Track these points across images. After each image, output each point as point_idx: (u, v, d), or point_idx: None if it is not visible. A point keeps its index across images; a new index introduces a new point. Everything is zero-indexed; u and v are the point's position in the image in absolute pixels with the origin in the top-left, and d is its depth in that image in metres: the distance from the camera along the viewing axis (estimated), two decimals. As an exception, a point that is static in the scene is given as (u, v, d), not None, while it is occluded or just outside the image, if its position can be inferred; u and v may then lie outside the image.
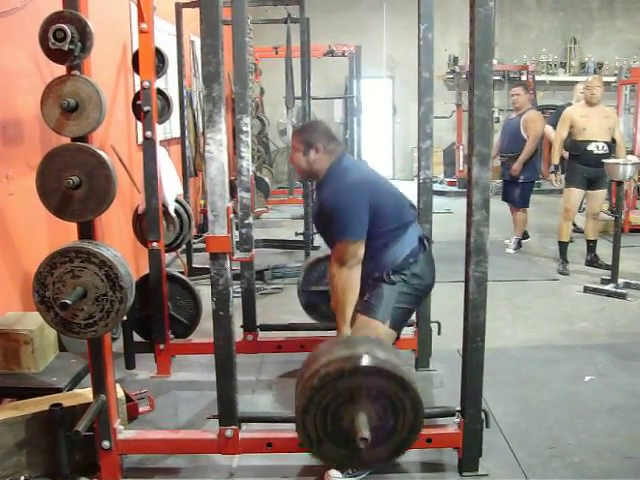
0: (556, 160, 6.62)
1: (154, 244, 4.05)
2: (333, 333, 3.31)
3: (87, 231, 2.71)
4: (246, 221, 4.08)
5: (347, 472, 2.99)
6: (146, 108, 3.89)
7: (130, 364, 4.06)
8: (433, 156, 3.98)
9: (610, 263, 5.92)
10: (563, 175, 6.85)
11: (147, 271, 4.15)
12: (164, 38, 6.40)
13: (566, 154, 6.66)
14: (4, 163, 3.63)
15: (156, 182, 3.99)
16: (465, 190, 2.82)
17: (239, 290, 4.30)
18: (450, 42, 12.81)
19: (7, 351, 3.32)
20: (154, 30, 3.93)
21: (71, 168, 2.57)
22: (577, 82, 8.27)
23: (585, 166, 6.35)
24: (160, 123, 4.26)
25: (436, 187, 9.37)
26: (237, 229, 3.96)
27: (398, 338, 3.35)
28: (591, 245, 6.71)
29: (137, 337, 4.18)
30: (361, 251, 3.05)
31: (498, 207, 6.98)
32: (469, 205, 2.75)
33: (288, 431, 2.96)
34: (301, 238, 7.04)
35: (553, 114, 8.80)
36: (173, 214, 4.30)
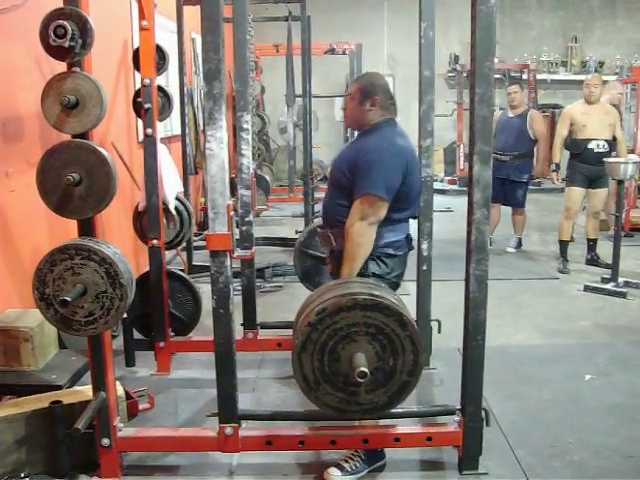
0: (557, 159, 6.62)
1: (154, 241, 4.05)
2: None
3: (87, 228, 2.71)
4: (246, 219, 4.08)
5: (346, 470, 2.99)
6: (147, 105, 3.89)
7: (130, 362, 4.06)
8: (434, 154, 3.97)
9: (610, 262, 5.92)
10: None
11: (147, 268, 4.15)
12: (165, 35, 6.39)
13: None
14: (4, 160, 3.63)
15: (156, 179, 3.98)
16: (466, 188, 2.81)
17: (239, 288, 4.30)
18: (451, 40, 12.78)
19: (7, 348, 3.33)
20: (155, 27, 3.93)
21: (71, 165, 2.57)
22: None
23: (586, 164, 6.35)
24: (161, 120, 4.25)
25: (437, 185, 9.35)
26: (237, 227, 3.96)
27: None
28: (591, 244, 6.71)
29: (137, 334, 4.18)
30: (383, 211, 2.93)
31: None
32: (470, 203, 2.75)
33: (288, 429, 2.97)
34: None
35: None
36: (173, 212, 4.29)
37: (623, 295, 5.65)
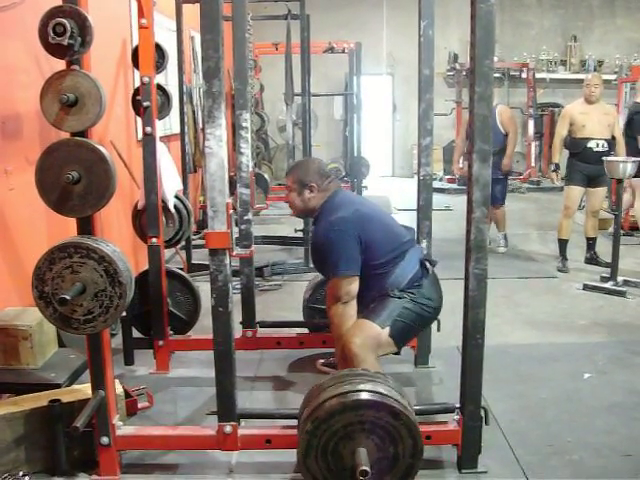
0: (556, 158, 6.62)
1: (153, 240, 4.05)
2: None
3: (86, 226, 2.71)
4: (245, 217, 4.07)
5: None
6: (146, 104, 3.88)
7: (129, 360, 4.06)
8: (433, 153, 3.97)
9: (609, 261, 5.92)
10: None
11: (146, 267, 4.15)
12: (164, 34, 6.38)
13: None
14: (3, 158, 3.62)
15: (155, 178, 3.98)
16: (464, 187, 2.82)
17: (238, 286, 4.30)
18: (450, 39, 12.79)
19: (6, 346, 3.32)
20: (154, 25, 3.92)
21: (70, 163, 2.56)
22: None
23: (585, 164, 6.34)
24: (160, 119, 4.25)
25: (436, 184, 9.37)
26: (236, 225, 3.96)
27: (398, 353, 3.39)
28: (591, 243, 6.71)
29: (136, 333, 4.18)
30: (354, 286, 3.14)
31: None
32: (469, 202, 2.75)
33: (287, 427, 2.97)
34: (300, 235, 7.03)
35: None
36: (172, 210, 4.29)
37: (622, 294, 5.65)
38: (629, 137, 6.71)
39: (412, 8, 4.14)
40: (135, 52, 4.03)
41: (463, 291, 2.87)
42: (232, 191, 4.04)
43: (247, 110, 4.03)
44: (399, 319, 3.15)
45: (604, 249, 6.56)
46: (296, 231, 7.20)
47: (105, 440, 2.89)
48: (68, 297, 2.53)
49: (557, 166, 6.64)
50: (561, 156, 6.64)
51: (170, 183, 4.24)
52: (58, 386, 3.22)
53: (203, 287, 4.44)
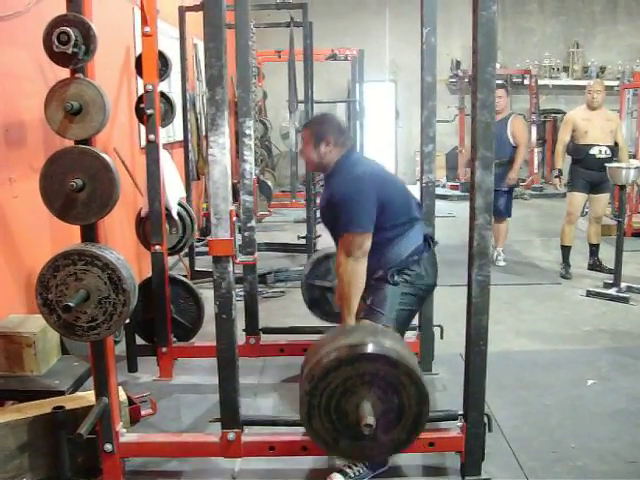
0: (559, 165, 6.62)
1: (157, 247, 4.06)
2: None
3: (90, 234, 2.72)
4: (249, 224, 4.09)
5: (349, 476, 2.99)
6: (149, 111, 3.90)
7: (132, 367, 4.06)
8: (436, 160, 3.98)
9: (613, 267, 5.92)
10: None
11: (150, 274, 4.16)
12: (167, 41, 6.40)
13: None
14: (8, 166, 3.64)
15: (159, 185, 3.99)
16: (467, 194, 2.82)
17: (242, 293, 4.31)
18: (453, 46, 12.81)
19: (10, 353, 3.33)
20: (157, 33, 3.94)
21: (74, 171, 2.57)
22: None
23: (588, 170, 6.34)
24: (163, 126, 4.26)
25: (439, 191, 9.36)
26: (240, 232, 3.97)
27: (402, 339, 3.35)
28: (594, 249, 6.70)
29: (139, 340, 4.18)
30: (368, 243, 3.03)
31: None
32: (472, 209, 2.75)
33: (291, 434, 2.97)
34: (303, 242, 7.04)
35: None
36: (176, 217, 4.30)
37: (625, 300, 5.64)
38: None
39: (414, 15, 4.16)
40: (139, 60, 4.05)
41: (466, 298, 2.87)
42: (235, 198, 4.05)
43: (250, 117, 4.05)
44: (401, 307, 3.10)
45: (607, 255, 6.55)
46: (299, 238, 7.21)
47: (108, 447, 2.89)
48: (72, 304, 2.54)
49: (560, 172, 6.63)
50: (564, 162, 6.63)
51: (173, 190, 4.25)
52: (62, 393, 3.22)
53: (206, 294, 4.44)
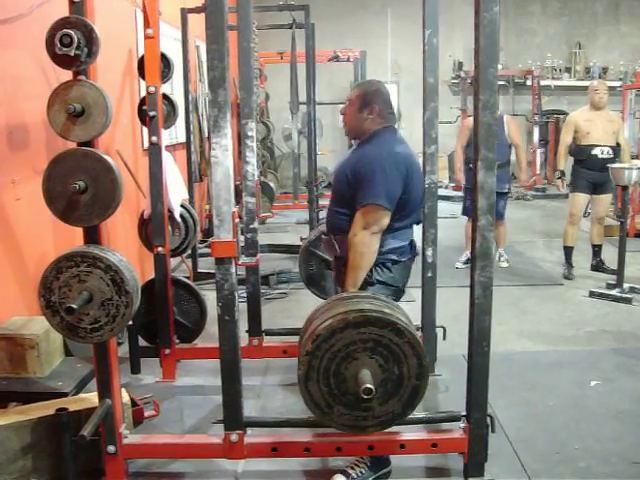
0: (562, 166, 6.61)
1: (159, 249, 4.06)
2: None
3: (93, 236, 2.72)
4: (251, 226, 4.09)
5: (352, 477, 2.99)
6: (152, 113, 3.90)
7: (135, 369, 4.06)
8: (438, 161, 3.98)
9: (615, 268, 5.91)
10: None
11: (152, 276, 4.16)
12: (170, 43, 6.42)
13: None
14: (11, 168, 3.64)
15: (161, 187, 3.99)
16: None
17: (244, 295, 4.31)
18: (455, 47, 12.81)
19: (13, 355, 3.34)
20: (160, 35, 3.94)
21: (77, 173, 2.58)
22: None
23: (590, 171, 6.33)
24: (166, 128, 4.26)
25: (441, 192, 9.33)
26: (242, 234, 3.97)
27: None
28: (596, 250, 6.69)
29: (142, 342, 4.19)
30: (385, 220, 2.93)
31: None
32: (474, 210, 2.75)
33: (293, 435, 2.97)
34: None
35: None
36: (178, 219, 4.30)
37: (628, 301, 5.64)
38: None
39: (416, 16, 4.15)
40: (141, 62, 4.05)
41: (469, 299, 2.87)
42: (238, 200, 4.05)
43: (252, 119, 4.05)
44: None
45: (610, 256, 6.55)
46: (302, 239, 7.20)
47: (112, 449, 2.89)
48: (75, 306, 2.54)
49: (562, 173, 6.63)
50: (566, 163, 6.63)
51: (176, 192, 4.25)
52: (65, 395, 3.23)
53: (209, 296, 4.44)
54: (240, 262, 2.80)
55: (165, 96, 4.22)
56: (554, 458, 3.20)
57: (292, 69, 7.96)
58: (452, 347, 4.14)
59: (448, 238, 6.76)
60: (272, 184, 9.53)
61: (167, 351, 4.12)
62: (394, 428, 2.98)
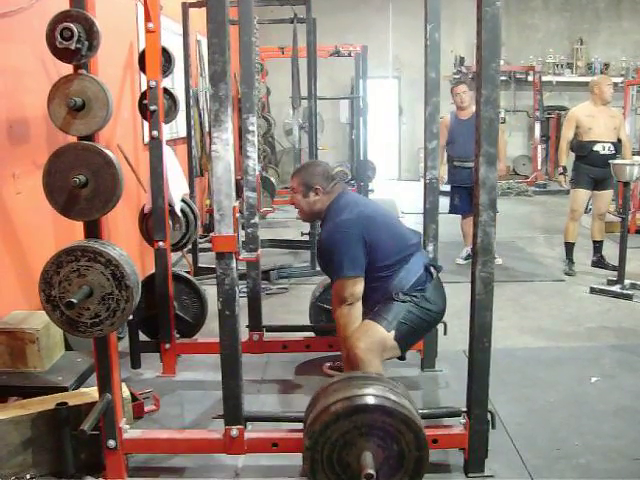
0: (563, 162, 6.60)
1: (160, 243, 4.05)
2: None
3: (93, 230, 2.71)
4: (252, 221, 4.08)
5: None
6: (152, 107, 3.89)
7: (136, 363, 4.06)
8: (439, 156, 3.97)
9: (616, 264, 5.91)
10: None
11: (153, 270, 4.16)
12: (171, 37, 6.41)
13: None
14: (11, 162, 3.64)
15: (162, 181, 3.99)
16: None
17: (245, 290, 4.30)
18: (457, 42, 12.79)
19: (13, 350, 3.33)
20: (161, 29, 3.93)
21: (77, 167, 2.57)
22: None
23: (591, 166, 6.33)
24: (166, 123, 4.25)
25: (442, 187, 9.34)
26: (243, 229, 3.96)
27: (403, 359, 3.40)
28: (597, 246, 6.69)
29: (143, 336, 4.19)
30: (359, 287, 3.13)
31: (506, 207, 6.96)
32: (476, 205, 2.74)
33: (294, 431, 2.97)
34: (307, 238, 7.03)
35: None
36: (179, 213, 4.30)
37: (629, 297, 5.63)
38: None
39: (418, 11, 4.14)
40: (142, 56, 4.04)
41: (469, 294, 2.86)
42: (239, 195, 4.05)
43: (253, 114, 4.04)
44: (404, 322, 3.15)
45: (611, 252, 6.54)
46: (302, 234, 7.20)
47: (112, 443, 2.89)
48: (75, 301, 2.54)
49: (564, 170, 6.62)
50: (568, 159, 6.62)
51: (177, 186, 4.25)
52: (65, 389, 3.23)
53: (210, 290, 4.45)
54: (241, 257, 2.80)
55: (166, 90, 4.22)
56: (554, 454, 3.20)
57: (293, 64, 7.93)
58: (453, 343, 4.14)
59: (448, 234, 6.74)
60: (273, 179, 9.52)
61: (167, 346, 4.12)
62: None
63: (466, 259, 6.81)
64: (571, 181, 6.61)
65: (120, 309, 2.65)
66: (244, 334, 3.72)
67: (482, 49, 2.61)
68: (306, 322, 4.45)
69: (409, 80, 13.19)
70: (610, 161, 5.98)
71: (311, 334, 4.33)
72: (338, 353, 3.71)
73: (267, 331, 4.30)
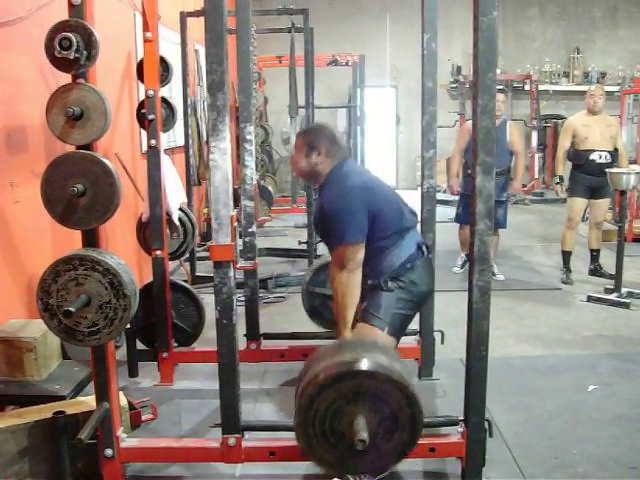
0: (560, 171, 6.62)
1: (158, 252, 4.06)
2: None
3: (91, 239, 2.72)
4: (250, 230, 4.09)
5: (350, 482, 2.99)
6: (150, 117, 3.90)
7: (133, 372, 4.06)
8: (436, 165, 3.98)
9: (613, 272, 5.92)
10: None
11: (151, 279, 4.16)
12: (169, 47, 6.42)
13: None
14: (9, 171, 3.64)
15: (160, 190, 4.00)
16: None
17: (242, 299, 4.31)
18: (453, 51, 12.83)
19: (10, 358, 3.33)
20: (159, 39, 3.95)
21: (76, 176, 2.58)
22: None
23: (588, 175, 6.33)
24: (164, 132, 4.26)
25: (439, 196, 9.34)
26: (241, 237, 3.96)
27: (398, 343, 3.36)
28: (594, 254, 6.70)
29: (140, 345, 4.19)
30: (360, 254, 3.07)
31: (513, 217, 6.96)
32: (472, 214, 2.75)
33: (291, 439, 2.95)
34: (304, 247, 7.04)
35: None
36: (177, 222, 4.31)
37: (626, 306, 5.64)
38: None
39: (415, 21, 4.17)
40: (140, 65, 4.06)
41: (467, 303, 2.87)
42: (236, 204, 4.05)
43: (251, 123, 4.05)
44: (396, 312, 3.12)
45: (608, 261, 6.55)
46: (300, 243, 7.21)
47: (109, 452, 2.89)
48: (73, 309, 2.54)
49: (561, 178, 6.63)
50: (564, 168, 6.63)
51: (174, 195, 4.26)
52: (62, 398, 3.22)
53: (207, 299, 4.44)
54: (238, 266, 2.80)
55: (164, 99, 4.23)
56: (552, 463, 3.20)
57: (291, 73, 7.96)
58: (450, 351, 4.14)
59: (446, 242, 6.75)
60: (270, 188, 9.55)
61: (165, 354, 4.12)
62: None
63: (462, 267, 6.79)
64: (568, 190, 6.63)
65: (118, 318, 2.65)
66: (242, 343, 3.72)
67: (479, 59, 2.62)
68: (303, 330, 4.43)
69: (406, 89, 13.21)
70: (607, 170, 5.99)
71: (309, 342, 4.33)
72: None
73: (265, 339, 4.30)
